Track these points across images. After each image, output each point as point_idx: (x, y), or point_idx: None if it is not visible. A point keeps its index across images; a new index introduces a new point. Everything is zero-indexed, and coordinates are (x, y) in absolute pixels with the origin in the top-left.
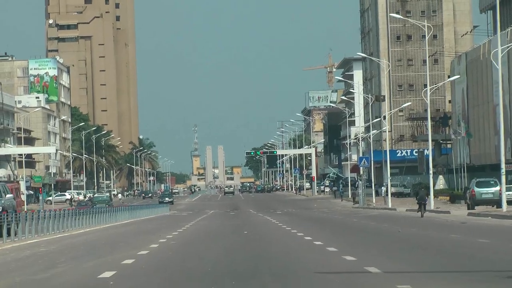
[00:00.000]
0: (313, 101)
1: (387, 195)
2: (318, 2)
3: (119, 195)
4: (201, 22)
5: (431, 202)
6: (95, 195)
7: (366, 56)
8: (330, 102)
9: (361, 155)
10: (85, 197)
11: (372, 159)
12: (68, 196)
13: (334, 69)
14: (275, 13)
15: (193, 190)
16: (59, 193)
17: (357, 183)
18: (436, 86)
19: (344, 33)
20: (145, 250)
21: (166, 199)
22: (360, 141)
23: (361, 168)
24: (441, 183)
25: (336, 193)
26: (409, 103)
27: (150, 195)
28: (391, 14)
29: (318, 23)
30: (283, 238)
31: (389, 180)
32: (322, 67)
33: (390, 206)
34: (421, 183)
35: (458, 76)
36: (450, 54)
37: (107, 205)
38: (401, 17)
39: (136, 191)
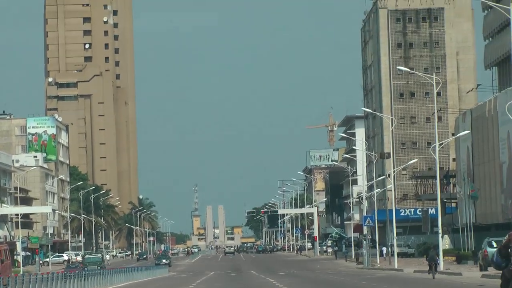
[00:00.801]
0: (314, 160)
1: (392, 255)
2: (318, 59)
3: (107, 257)
4: (202, 82)
5: (441, 263)
6: (86, 256)
7: (371, 111)
8: (332, 161)
9: (364, 214)
10: (70, 259)
11: (376, 218)
12: (65, 257)
13: (335, 128)
14: (273, 70)
15: (190, 252)
16: (57, 254)
17: (360, 243)
18: (444, 142)
19: (346, 91)
20: None
21: (163, 261)
22: (364, 200)
23: (365, 227)
24: (446, 243)
25: (337, 254)
26: (416, 159)
27: (145, 256)
28: (398, 67)
29: (318, 80)
30: None
31: (395, 240)
32: (323, 126)
33: (396, 266)
34: (426, 243)
35: (468, 131)
36: (454, 111)
37: (99, 267)
38: (408, 70)
39: (126, 252)
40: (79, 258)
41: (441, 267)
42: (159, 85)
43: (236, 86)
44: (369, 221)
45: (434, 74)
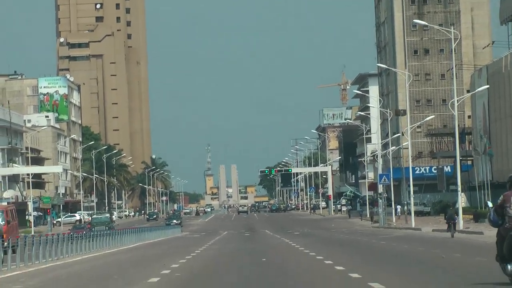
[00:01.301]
0: (327, 118)
1: (409, 214)
2: (331, 18)
3: (114, 217)
4: (215, 40)
5: (460, 222)
6: (93, 217)
7: (386, 67)
8: (345, 119)
9: (380, 172)
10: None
11: (392, 176)
12: (77, 217)
13: (348, 86)
14: (287, 29)
15: (201, 212)
16: (69, 214)
17: (375, 201)
18: (462, 98)
19: (359, 49)
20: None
21: (174, 221)
22: (379, 158)
23: (380, 186)
24: (462, 201)
25: (351, 213)
26: (432, 116)
27: (155, 216)
28: (414, 21)
29: (331, 39)
30: (311, 269)
31: (412, 198)
32: (335, 84)
33: (413, 225)
34: (442, 201)
35: (487, 86)
36: (469, 67)
37: (107, 228)
38: (424, 23)
39: (131, 213)
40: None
41: (461, 225)
42: (171, 44)
43: (248, 45)
44: (384, 179)
45: (453, 26)
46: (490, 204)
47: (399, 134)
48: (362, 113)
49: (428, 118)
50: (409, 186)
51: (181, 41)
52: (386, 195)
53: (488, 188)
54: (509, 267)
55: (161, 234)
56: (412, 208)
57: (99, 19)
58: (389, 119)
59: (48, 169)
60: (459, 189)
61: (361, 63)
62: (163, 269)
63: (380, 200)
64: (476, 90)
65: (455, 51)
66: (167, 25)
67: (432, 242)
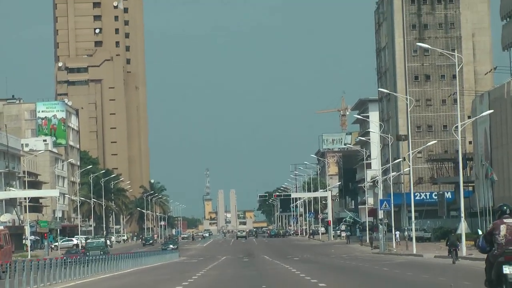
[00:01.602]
0: (326, 143)
1: (409, 239)
2: (331, 43)
3: (109, 241)
4: (213, 65)
5: (463, 248)
6: (88, 241)
7: (388, 92)
8: (345, 144)
9: (380, 197)
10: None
11: (392, 202)
12: (75, 242)
13: (347, 112)
14: (286, 54)
15: (196, 238)
16: (66, 238)
17: (375, 227)
18: (466, 123)
19: (359, 75)
20: None
21: (170, 246)
22: (379, 184)
23: (381, 211)
24: (463, 227)
25: (349, 238)
26: (434, 141)
27: (151, 241)
28: (417, 44)
29: (331, 64)
30: None
31: (413, 224)
32: (335, 110)
33: (414, 251)
34: (442, 227)
35: (491, 111)
36: (470, 93)
37: (102, 253)
38: (427, 46)
39: (132, 236)
40: (100, 242)
41: (463, 252)
42: (170, 69)
43: (247, 70)
44: (385, 204)
45: (455, 52)
46: (479, 232)
47: (400, 160)
48: (362, 138)
49: (430, 143)
50: (409, 211)
51: (179, 66)
52: (387, 221)
53: (490, 214)
54: None
55: (158, 259)
56: (414, 234)
57: (98, 43)
58: (389, 144)
59: (45, 193)
60: (462, 215)
61: (361, 89)
62: None
63: (380, 226)
64: (480, 115)
65: (455, 78)
66: (166, 50)
67: (436, 269)
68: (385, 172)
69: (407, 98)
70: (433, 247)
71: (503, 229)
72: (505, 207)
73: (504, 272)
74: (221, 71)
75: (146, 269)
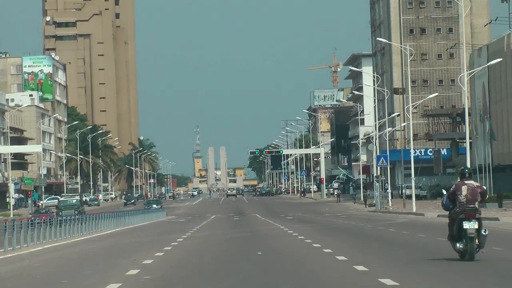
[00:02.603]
0: (318, 100)
1: (408, 198)
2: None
3: (88, 198)
4: (203, 20)
5: None
6: (60, 199)
7: (386, 41)
8: (336, 101)
9: (376, 153)
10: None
11: (388, 158)
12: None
13: (339, 68)
14: (276, 11)
15: (177, 197)
16: (52, 196)
17: (369, 184)
18: (474, 71)
19: (351, 30)
20: None
21: (154, 206)
22: (375, 139)
23: (377, 168)
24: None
25: (339, 197)
26: (436, 94)
27: (133, 201)
28: None
29: (322, 20)
30: (323, 268)
31: (413, 181)
32: (326, 66)
33: (414, 210)
34: (439, 185)
35: (499, 59)
36: (467, 47)
37: (76, 212)
38: None
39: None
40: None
41: None
42: (160, 24)
43: (238, 25)
44: (382, 160)
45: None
46: (444, 192)
47: (396, 114)
48: (356, 92)
49: (432, 96)
50: (405, 168)
51: (170, 21)
52: (384, 178)
53: (490, 171)
54: (457, 245)
55: (143, 219)
56: (414, 192)
57: None
58: (385, 99)
59: (28, 148)
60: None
61: (354, 45)
62: (131, 267)
63: (377, 184)
64: (493, 62)
65: (451, 31)
66: (156, 4)
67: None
68: (379, 128)
69: (406, 49)
70: (430, 205)
71: (464, 189)
72: (466, 170)
73: (464, 227)
74: (211, 27)
75: (128, 230)
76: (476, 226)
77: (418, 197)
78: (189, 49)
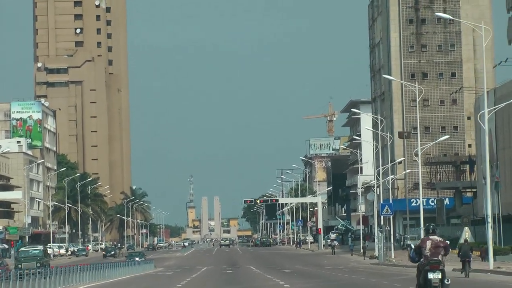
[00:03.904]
0: (314, 148)
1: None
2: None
3: (53, 249)
4: (197, 68)
5: (490, 260)
6: (20, 250)
7: (393, 79)
8: (333, 149)
9: (379, 201)
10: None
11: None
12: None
13: (334, 118)
14: (271, 58)
15: (157, 248)
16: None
17: (368, 235)
18: (496, 108)
19: (348, 77)
20: None
21: (136, 259)
22: (375, 187)
23: (382, 217)
24: (467, 236)
25: (334, 249)
26: (447, 136)
27: (113, 253)
28: (437, 14)
29: (319, 67)
30: None
31: (421, 231)
32: (322, 115)
33: None
34: (443, 236)
35: (510, 101)
36: (470, 92)
37: (39, 265)
38: (449, 17)
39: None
40: (62, 251)
41: (491, 264)
42: (153, 72)
43: (232, 75)
44: (387, 209)
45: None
46: (412, 245)
47: (401, 159)
48: (356, 138)
49: (443, 138)
50: (405, 219)
51: (163, 69)
52: (388, 228)
53: (500, 222)
54: None
55: (127, 271)
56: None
57: (79, 44)
58: (388, 144)
59: (7, 194)
60: (490, 219)
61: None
62: None
63: (380, 234)
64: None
65: (454, 76)
66: (150, 52)
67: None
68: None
69: (415, 87)
70: None
71: (428, 244)
72: (430, 227)
73: (429, 277)
74: (205, 75)
75: (110, 283)
76: (440, 276)
77: None
78: (183, 97)
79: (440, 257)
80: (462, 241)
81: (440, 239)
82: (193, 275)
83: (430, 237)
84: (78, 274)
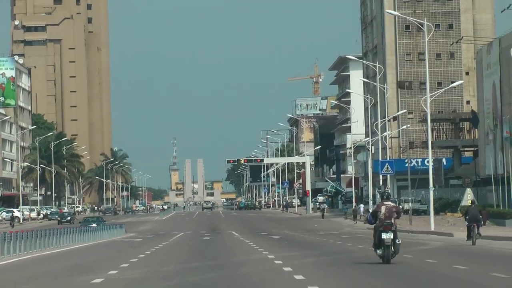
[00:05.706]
0: (301, 109)
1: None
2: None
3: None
4: (182, 27)
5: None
6: None
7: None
8: (320, 110)
9: (369, 161)
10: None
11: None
12: (17, 214)
13: (320, 79)
14: (256, 18)
15: (131, 212)
16: (4, 209)
17: (359, 198)
18: None
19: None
20: None
21: (93, 225)
22: (370, 145)
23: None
24: (469, 197)
25: (323, 212)
26: (460, 82)
27: (69, 218)
28: None
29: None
30: None
31: (431, 192)
32: (307, 77)
33: (432, 228)
34: (442, 198)
35: None
36: (469, 43)
37: None
38: None
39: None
40: (33, 214)
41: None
42: (134, 31)
43: (215, 34)
44: (387, 167)
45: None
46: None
47: (389, 118)
48: (349, 91)
49: (440, 91)
50: (399, 180)
51: (145, 28)
52: (388, 189)
53: (505, 183)
54: (378, 251)
55: (91, 237)
56: (432, 206)
57: (57, 1)
58: (386, 96)
59: None
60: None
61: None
62: None
63: (378, 195)
64: None
65: (451, 28)
66: (130, 10)
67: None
68: (369, 136)
69: (423, 25)
70: (435, 221)
71: (383, 209)
72: (385, 194)
73: (383, 237)
74: (188, 34)
75: (59, 254)
76: (392, 237)
77: (418, 212)
78: (166, 56)
79: (392, 220)
80: (464, 203)
81: (394, 204)
82: (164, 242)
83: (385, 202)
84: (10, 244)
